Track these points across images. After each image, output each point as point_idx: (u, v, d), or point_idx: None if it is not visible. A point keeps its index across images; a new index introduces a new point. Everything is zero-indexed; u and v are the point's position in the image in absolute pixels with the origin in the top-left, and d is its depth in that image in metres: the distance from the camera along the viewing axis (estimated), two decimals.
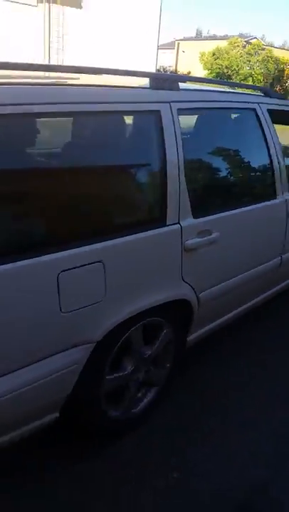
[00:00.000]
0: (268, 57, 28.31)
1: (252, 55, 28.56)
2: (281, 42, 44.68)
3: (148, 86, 1.97)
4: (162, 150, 1.90)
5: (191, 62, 31.20)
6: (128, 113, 1.94)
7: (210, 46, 30.11)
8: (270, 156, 2.64)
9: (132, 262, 1.80)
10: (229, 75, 27.86)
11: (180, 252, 1.99)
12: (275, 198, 2.66)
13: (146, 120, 1.94)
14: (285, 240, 2.79)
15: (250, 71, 28.11)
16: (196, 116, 2.34)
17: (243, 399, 2.43)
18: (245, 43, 30.66)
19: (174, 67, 35.14)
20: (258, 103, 2.63)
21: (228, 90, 2.76)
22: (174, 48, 39.08)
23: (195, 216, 2.04)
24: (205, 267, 2.16)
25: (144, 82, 2.03)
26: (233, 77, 27.57)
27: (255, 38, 36.09)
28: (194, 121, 2.35)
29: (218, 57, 28.56)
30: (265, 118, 2.63)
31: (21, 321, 1.49)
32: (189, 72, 25.32)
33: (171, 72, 26.55)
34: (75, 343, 1.65)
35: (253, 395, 2.48)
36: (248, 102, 2.60)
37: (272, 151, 2.64)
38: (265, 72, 27.99)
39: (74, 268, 1.57)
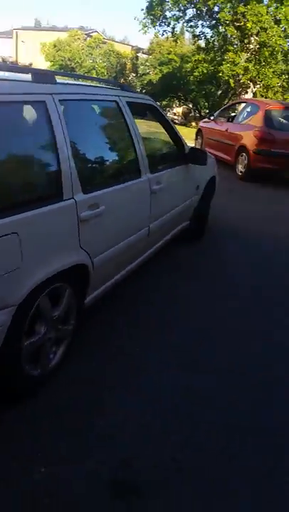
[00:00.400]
0: (110, 50, 28.90)
1: (94, 48, 28.87)
2: (121, 37, 46.24)
3: (30, 80, 2.22)
4: (53, 136, 2.20)
5: (32, 53, 30.39)
6: (20, 103, 2.16)
7: (50, 37, 29.64)
8: (132, 141, 3.10)
9: (41, 233, 2.10)
10: (73, 68, 27.78)
11: (77, 223, 2.33)
12: (140, 177, 3.12)
13: (35, 109, 2.22)
14: (150, 213, 3.27)
15: (93, 64, 28.39)
16: (71, 105, 2.53)
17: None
18: (86, 36, 30.84)
19: (14, 58, 33.80)
20: (119, 96, 3.07)
21: (94, 84, 3.22)
22: (12, 37, 37.59)
23: (84, 192, 2.38)
24: (96, 235, 2.53)
25: None
26: (77, 70, 27.56)
27: (96, 31, 36.56)
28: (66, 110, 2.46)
29: (59, 49, 28.27)
30: (126, 109, 3.08)
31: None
32: (31, 64, 24.58)
33: (12, 62, 25.47)
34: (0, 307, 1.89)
35: (127, 360, 2.64)
36: (112, 95, 3.04)
37: (134, 137, 3.11)
38: (108, 66, 28.54)
39: None
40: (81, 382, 2.41)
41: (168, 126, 3.92)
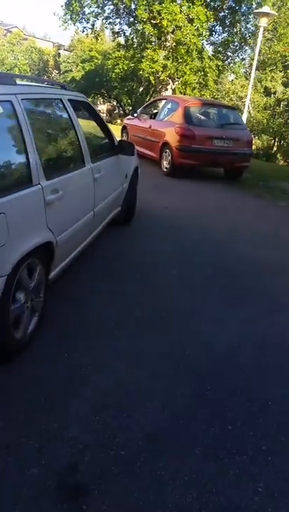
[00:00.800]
0: (31, 47, 27.99)
1: (14, 45, 27.82)
2: (42, 33, 44.69)
3: None
4: (21, 131, 2.48)
5: None
6: None
7: None
8: (77, 135, 3.41)
9: (19, 214, 2.39)
10: None
11: (44, 206, 2.64)
12: (85, 166, 3.42)
13: (4, 108, 2.44)
14: (94, 197, 3.62)
15: (15, 61, 27.35)
16: (30, 104, 2.81)
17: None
18: (5, 32, 29.65)
19: None
20: (62, 95, 3.36)
21: (43, 85, 3.49)
22: None
23: (47, 179, 2.68)
24: (58, 217, 2.83)
25: None
26: None
27: (16, 27, 35.18)
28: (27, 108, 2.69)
29: None
30: (69, 106, 3.37)
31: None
32: None
33: None
34: None
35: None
36: (58, 94, 3.33)
37: (78, 131, 3.41)
38: (30, 63, 27.64)
39: None
40: None
41: (100, 120, 4.30)
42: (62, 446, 2.02)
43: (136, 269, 4.06)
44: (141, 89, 19.56)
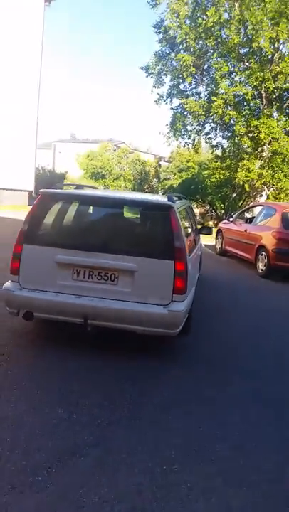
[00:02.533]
0: (136, 159, 30.66)
1: (122, 158, 30.72)
2: (145, 146, 49.20)
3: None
4: (191, 223, 5.41)
5: (68, 162, 32.49)
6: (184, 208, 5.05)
7: (83, 148, 31.81)
8: (196, 225, 6.20)
9: (196, 262, 5.18)
10: (103, 175, 29.40)
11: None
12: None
13: (184, 211, 4.84)
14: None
15: (121, 171, 30.01)
16: (189, 209, 5.77)
17: None
18: (115, 147, 33.04)
19: (51, 167, 36.12)
20: (190, 202, 5.65)
21: (184, 200, 5.66)
22: (50, 149, 40.51)
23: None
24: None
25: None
26: (107, 177, 29.14)
27: (124, 143, 39.19)
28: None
29: (92, 159, 30.16)
30: (191, 209, 6.17)
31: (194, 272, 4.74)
32: (66, 172, 26.07)
33: (49, 170, 26.95)
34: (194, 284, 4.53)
35: None
36: (188, 203, 6.03)
37: (196, 223, 6.21)
38: (134, 173, 30.11)
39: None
40: None
41: (194, 215, 6.61)
42: None
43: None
44: (234, 195, 20.04)
